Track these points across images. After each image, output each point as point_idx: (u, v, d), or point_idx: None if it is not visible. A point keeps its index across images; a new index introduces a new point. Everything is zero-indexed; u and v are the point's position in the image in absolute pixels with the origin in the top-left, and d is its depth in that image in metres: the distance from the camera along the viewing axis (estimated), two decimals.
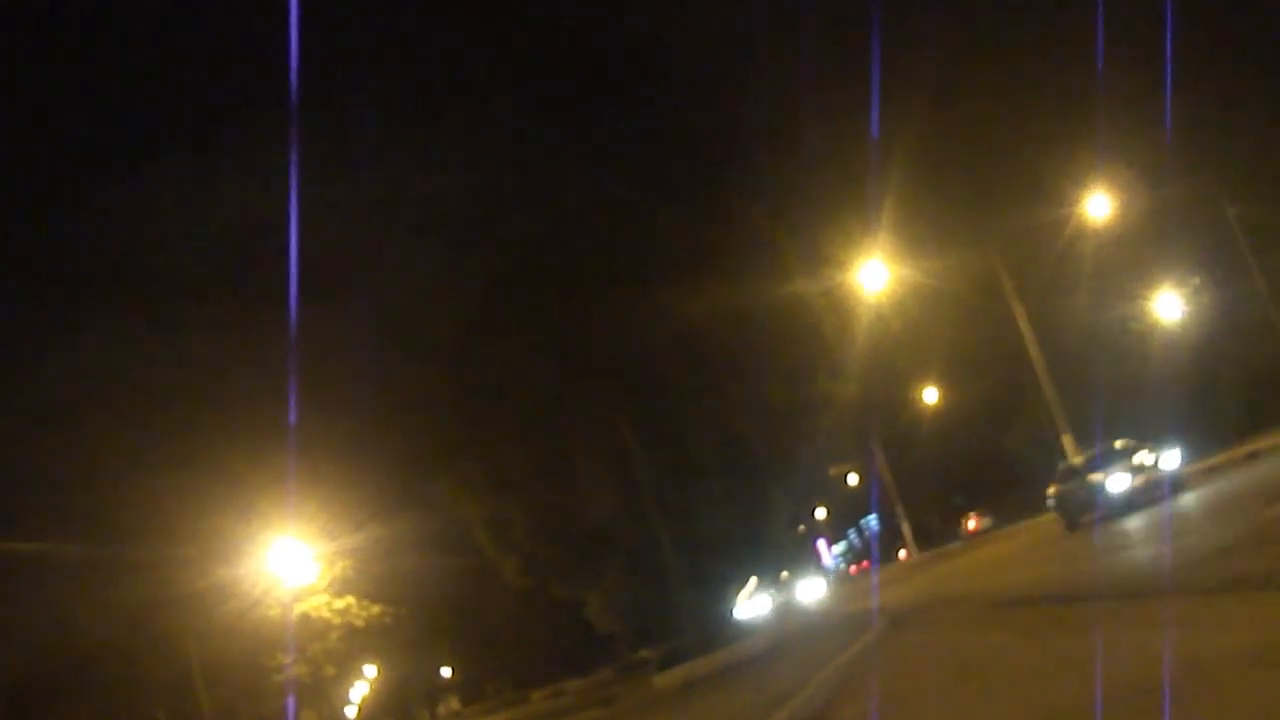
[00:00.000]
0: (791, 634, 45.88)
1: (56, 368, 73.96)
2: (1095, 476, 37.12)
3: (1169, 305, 56.38)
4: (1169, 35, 38.82)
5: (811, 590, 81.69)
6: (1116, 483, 35.73)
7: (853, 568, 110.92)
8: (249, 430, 47.94)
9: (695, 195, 43.01)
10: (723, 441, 43.50)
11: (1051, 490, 43.03)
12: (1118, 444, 39.60)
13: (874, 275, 48.46)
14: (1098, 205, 48.81)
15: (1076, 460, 42.72)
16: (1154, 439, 38.36)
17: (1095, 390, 51.12)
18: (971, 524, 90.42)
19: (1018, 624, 16.80)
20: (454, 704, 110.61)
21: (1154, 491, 34.98)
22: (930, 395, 77.95)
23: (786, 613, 78.07)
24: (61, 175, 79.47)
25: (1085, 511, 38.42)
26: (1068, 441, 48.47)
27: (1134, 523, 29.88)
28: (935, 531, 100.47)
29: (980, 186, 52.30)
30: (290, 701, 52.41)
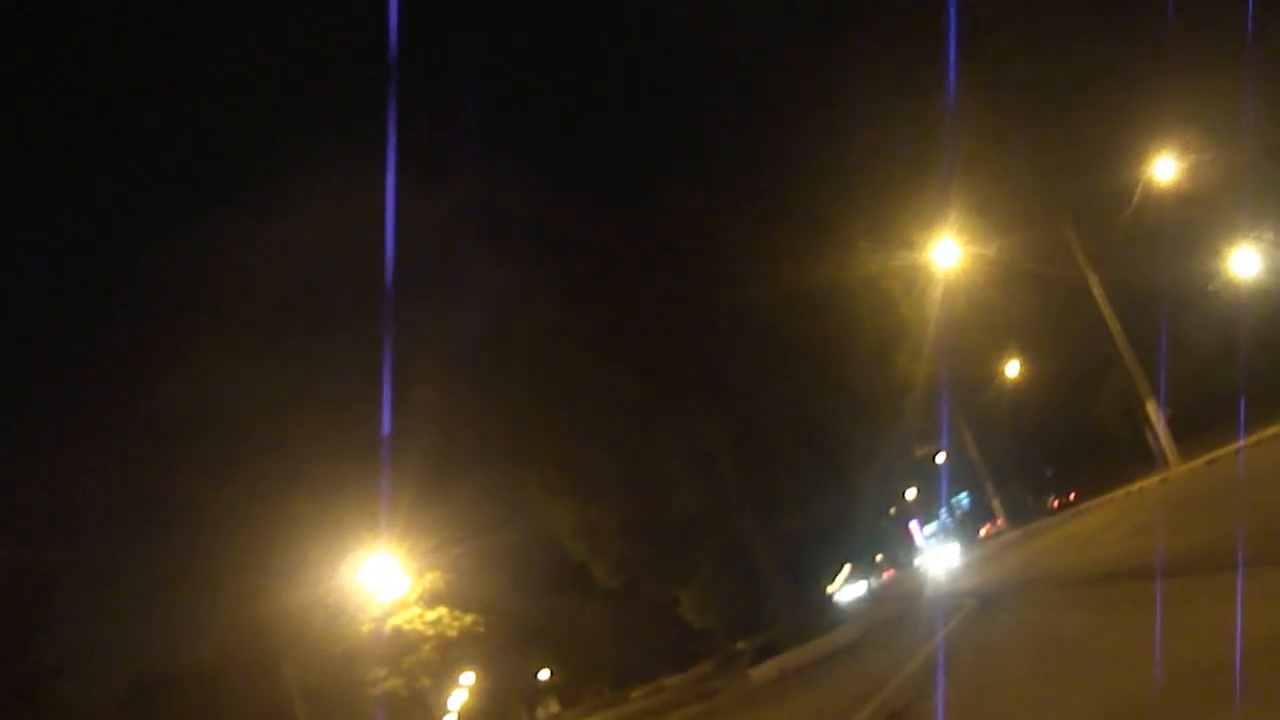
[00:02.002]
0: (883, 620, 45.70)
1: (153, 390, 74.80)
2: None
3: (1245, 261, 55.68)
4: None
5: (948, 557, 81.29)
6: None
7: (983, 530, 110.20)
8: (340, 446, 48.30)
9: (763, 188, 43.00)
10: (806, 431, 43.46)
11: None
12: None
13: (946, 253, 48.11)
14: (1167, 166, 48.32)
15: None
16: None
17: (1173, 354, 50.60)
18: (1055, 503, 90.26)
19: (1102, 602, 16.64)
20: (553, 706, 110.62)
21: None
22: (1012, 370, 77.49)
23: (879, 598, 77.88)
24: (157, 205, 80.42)
25: None
26: (1151, 408, 48.08)
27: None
28: (1027, 506, 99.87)
29: (1048, 156, 51.89)
30: (392, 713, 52.60)
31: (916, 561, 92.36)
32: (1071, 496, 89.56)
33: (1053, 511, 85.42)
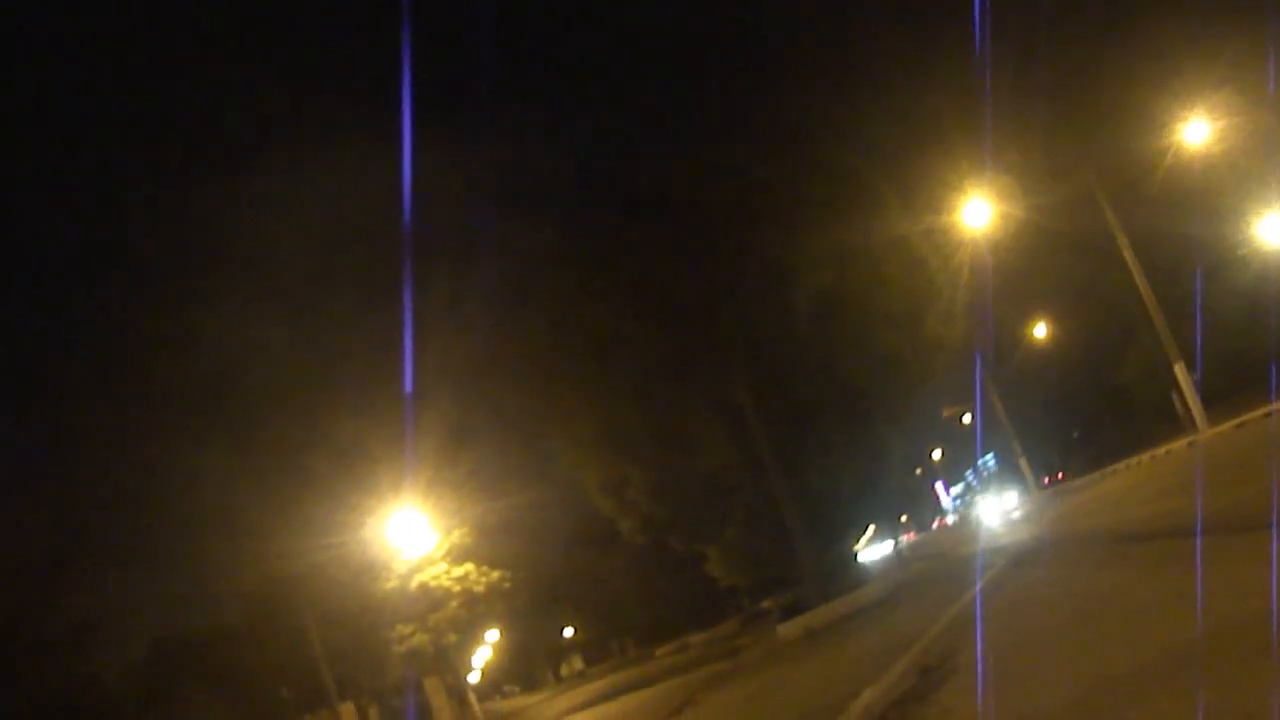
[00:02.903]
0: (912, 578, 45.83)
1: (175, 354, 74.96)
2: None
3: (1275, 228, 55.53)
4: None
5: (1008, 503, 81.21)
6: None
7: (1046, 479, 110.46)
8: (366, 404, 48.38)
9: (794, 146, 42.96)
10: (835, 390, 43.53)
11: None
12: None
13: (977, 213, 48.09)
14: (1199, 128, 48.20)
15: None
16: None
17: (1203, 318, 50.52)
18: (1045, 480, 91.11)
19: (1136, 559, 16.70)
20: (577, 663, 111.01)
21: None
22: (1040, 331, 77.48)
23: (906, 557, 77.92)
24: (174, 166, 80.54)
25: None
26: (1180, 371, 48.03)
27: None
28: (1055, 468, 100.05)
29: (1079, 117, 51.81)
30: (418, 669, 52.83)
31: (973, 509, 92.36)
32: (1059, 476, 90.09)
33: (1043, 487, 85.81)
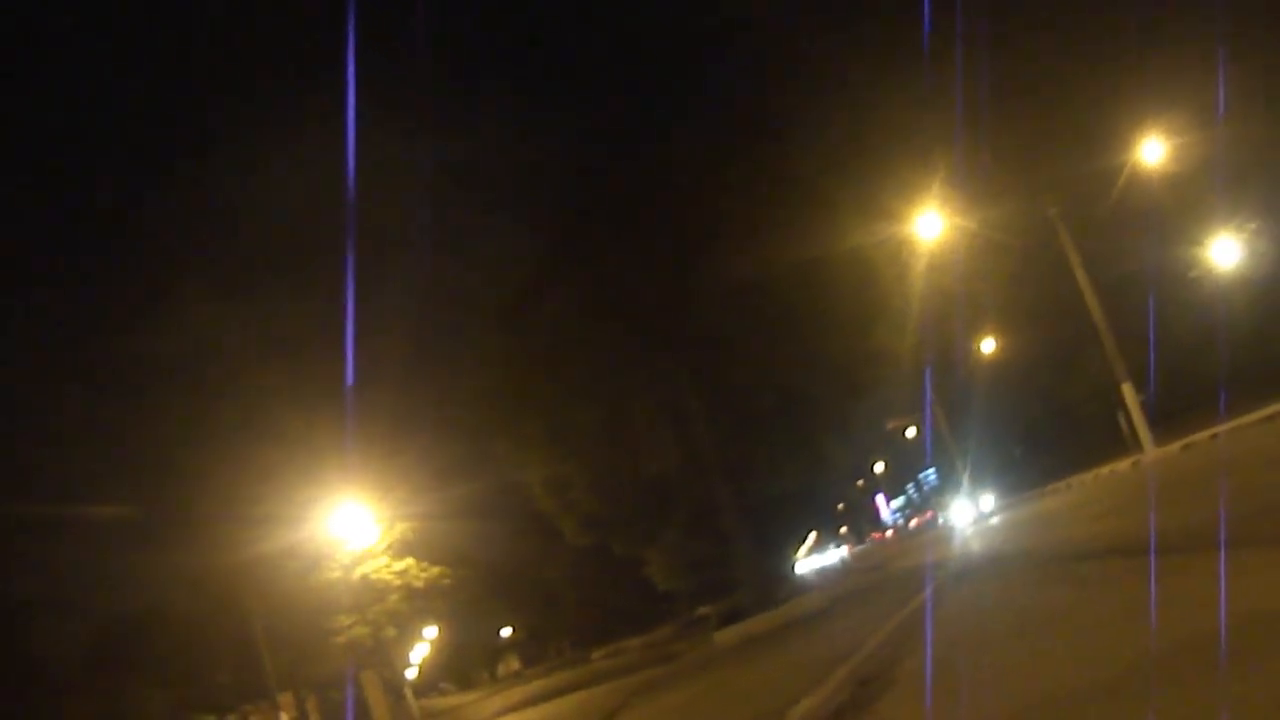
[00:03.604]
0: (851, 590, 45.88)
1: (121, 336, 74.55)
2: None
3: (1226, 251, 55.85)
4: None
5: (984, 506, 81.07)
6: None
7: (914, 520, 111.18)
8: (310, 395, 48.29)
9: (749, 152, 42.98)
10: (781, 397, 43.63)
11: None
12: None
13: (930, 226, 48.23)
14: (1154, 150, 48.45)
15: None
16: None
17: (1154, 339, 50.78)
18: (912, 523, 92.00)
19: (1078, 577, 16.68)
20: (514, 663, 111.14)
21: None
22: (988, 346, 77.69)
23: (847, 568, 78.15)
24: (136, 151, 79.97)
25: None
26: (1127, 390, 48.22)
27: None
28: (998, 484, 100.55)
29: (1035, 134, 52.02)
30: (357, 661, 52.75)
31: (944, 515, 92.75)
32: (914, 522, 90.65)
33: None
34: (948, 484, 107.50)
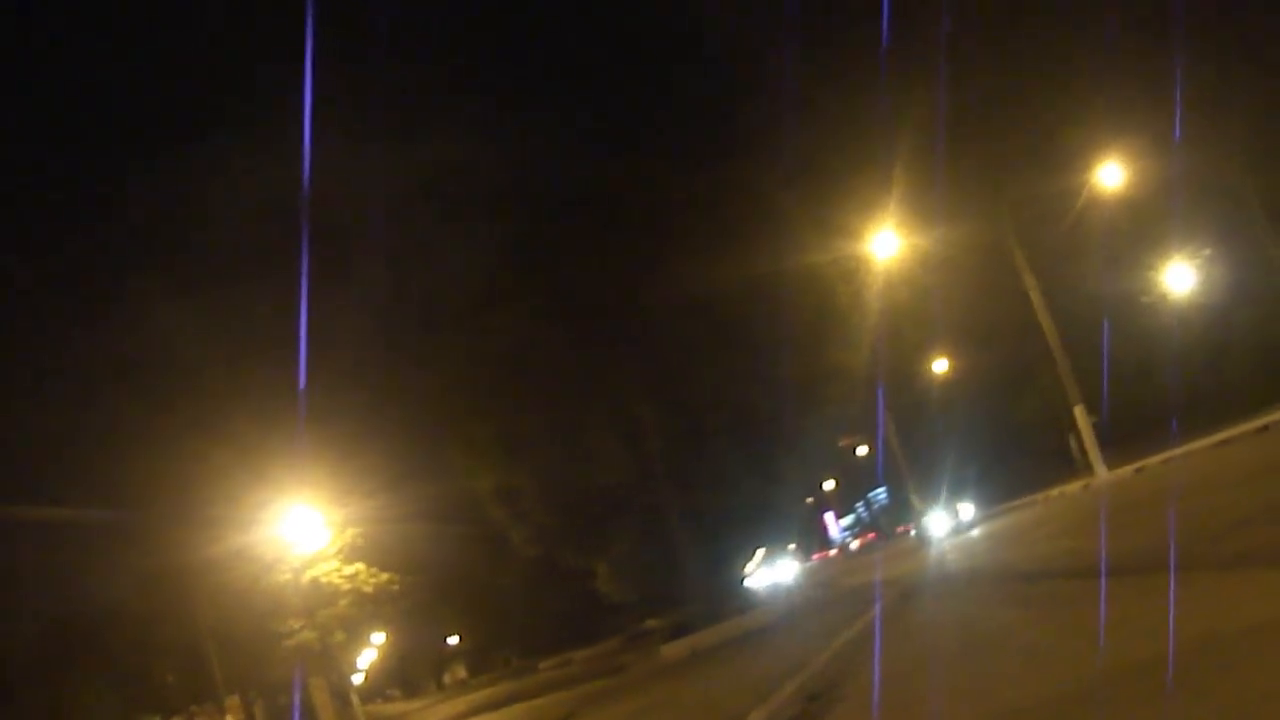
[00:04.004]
0: (799, 606, 45.91)
1: (71, 335, 74.21)
2: None
3: (1180, 276, 56.14)
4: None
5: (964, 515, 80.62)
6: None
7: (857, 541, 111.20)
8: (263, 397, 48.13)
9: (709, 166, 43.14)
10: (733, 411, 43.69)
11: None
12: None
13: (886, 245, 48.32)
14: (1110, 175, 48.66)
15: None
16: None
17: (1106, 362, 50.95)
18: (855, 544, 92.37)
19: (1025, 598, 16.77)
20: (460, 672, 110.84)
21: None
22: (941, 366, 77.81)
23: (796, 583, 78.04)
24: (92, 151, 79.73)
25: None
26: (1079, 413, 48.41)
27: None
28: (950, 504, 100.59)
29: (992, 156, 52.18)
30: (305, 665, 52.59)
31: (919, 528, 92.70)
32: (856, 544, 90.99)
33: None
34: (898, 503, 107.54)
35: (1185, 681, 7.34)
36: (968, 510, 78.57)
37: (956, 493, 77.80)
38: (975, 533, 60.15)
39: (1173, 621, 9.27)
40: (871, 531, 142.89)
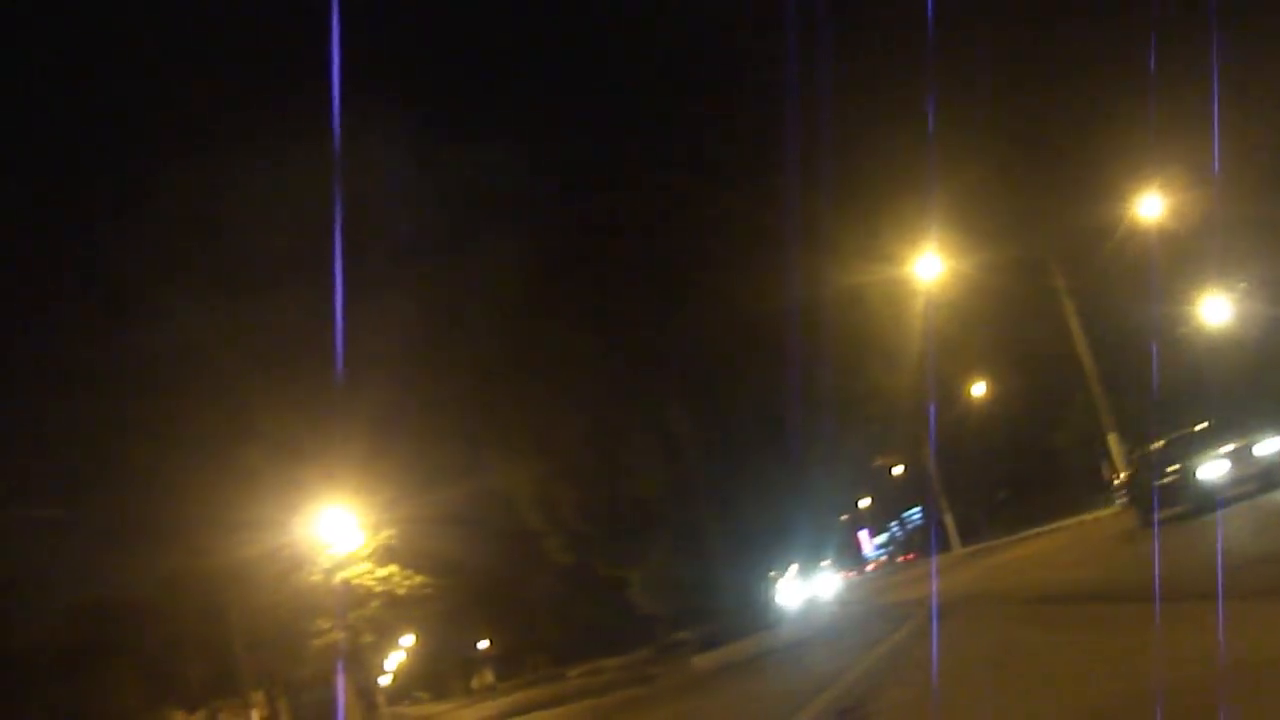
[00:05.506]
0: (831, 623, 45.97)
1: (112, 335, 74.57)
2: (1180, 465, 31.75)
3: (1216, 309, 56.02)
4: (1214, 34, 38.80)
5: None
6: (1210, 470, 30.08)
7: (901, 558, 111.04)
8: (299, 398, 48.30)
9: (754, 183, 43.18)
10: (771, 427, 43.70)
11: (1123, 478, 41.65)
12: (1199, 427, 35.08)
13: (929, 268, 48.46)
14: (1151, 205, 48.75)
15: (1158, 444, 37.03)
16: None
17: (1142, 391, 50.97)
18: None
19: (1056, 621, 16.93)
20: (488, 677, 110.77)
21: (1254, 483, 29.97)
22: (979, 389, 77.80)
23: (828, 600, 77.91)
24: (120, 152, 79.98)
25: (1170, 504, 32.31)
26: (1113, 441, 48.52)
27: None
28: (979, 526, 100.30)
29: (1037, 183, 52.19)
30: (334, 665, 52.80)
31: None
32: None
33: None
34: (930, 524, 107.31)
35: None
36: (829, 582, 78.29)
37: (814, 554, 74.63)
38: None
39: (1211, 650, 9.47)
40: (910, 553, 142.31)
